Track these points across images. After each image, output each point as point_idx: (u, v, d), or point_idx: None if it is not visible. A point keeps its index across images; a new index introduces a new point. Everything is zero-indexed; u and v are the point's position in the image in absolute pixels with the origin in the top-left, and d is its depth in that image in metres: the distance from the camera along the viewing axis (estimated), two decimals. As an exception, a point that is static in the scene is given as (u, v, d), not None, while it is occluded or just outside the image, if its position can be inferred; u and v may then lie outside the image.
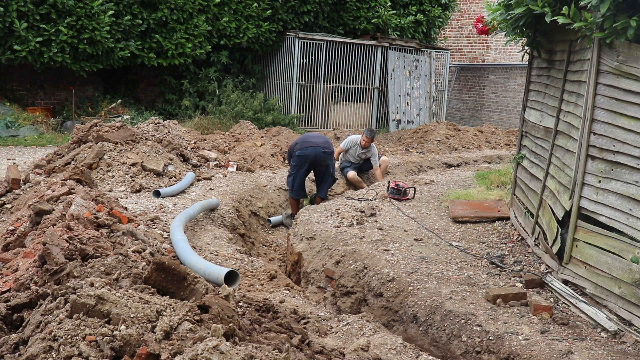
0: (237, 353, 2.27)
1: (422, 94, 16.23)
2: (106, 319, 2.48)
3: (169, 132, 8.93)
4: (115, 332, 2.40)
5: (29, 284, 3.14)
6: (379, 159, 9.75)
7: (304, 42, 14.63)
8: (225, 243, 5.92)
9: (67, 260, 3.21)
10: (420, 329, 4.33)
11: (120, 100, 13.86)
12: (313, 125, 15.08)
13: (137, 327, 2.44)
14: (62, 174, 6.50)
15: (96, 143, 7.77)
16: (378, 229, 5.97)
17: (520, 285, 4.58)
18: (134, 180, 7.26)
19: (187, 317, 2.54)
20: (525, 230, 5.57)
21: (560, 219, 4.57)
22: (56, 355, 2.32)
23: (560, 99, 4.94)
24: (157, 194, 6.95)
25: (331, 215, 6.47)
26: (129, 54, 12.80)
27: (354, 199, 7.34)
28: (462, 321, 4.09)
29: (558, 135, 4.96)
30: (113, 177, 7.29)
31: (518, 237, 5.67)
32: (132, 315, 2.48)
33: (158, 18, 13.01)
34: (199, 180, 8.08)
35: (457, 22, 20.89)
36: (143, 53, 13.12)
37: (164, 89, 14.92)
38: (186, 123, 12.93)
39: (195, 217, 6.24)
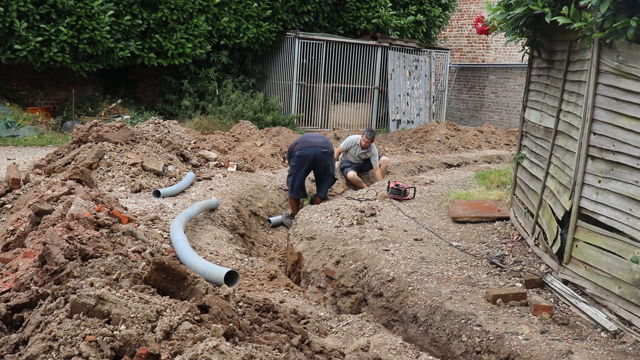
0: (237, 353, 2.27)
1: (422, 94, 16.23)
2: (106, 319, 2.48)
3: (169, 132, 8.93)
4: (115, 332, 2.40)
5: (29, 284, 3.14)
6: (379, 159, 9.75)
7: (304, 42, 14.63)
8: (225, 243, 5.92)
9: (67, 260, 3.21)
10: (420, 329, 4.33)
11: (120, 100, 13.86)
12: (313, 125, 15.08)
13: (137, 327, 2.44)
14: (62, 174, 6.50)
15: (96, 143, 7.77)
16: (378, 229, 5.97)
17: (520, 285, 4.58)
18: (134, 180, 7.26)
19: (187, 317, 2.54)
20: (525, 230, 5.57)
21: (560, 219, 4.57)
22: (56, 355, 2.32)
23: (560, 99, 4.94)
24: (157, 194, 6.95)
25: (331, 215, 6.47)
26: (129, 54, 12.80)
27: (354, 199, 7.34)
28: (462, 321, 4.09)
29: (558, 135, 4.96)
30: (113, 177, 7.29)
31: (518, 237, 5.67)
32: (132, 315, 2.48)
33: (158, 18, 13.01)
34: (199, 180, 8.08)
35: (457, 22, 20.89)
36: (143, 53, 13.12)
37: (164, 89, 14.92)
38: (186, 123, 12.93)
39: (195, 217, 6.24)
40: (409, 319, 4.44)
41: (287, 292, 4.74)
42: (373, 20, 15.51)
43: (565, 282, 4.48)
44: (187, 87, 14.36)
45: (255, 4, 14.14)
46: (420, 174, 10.46)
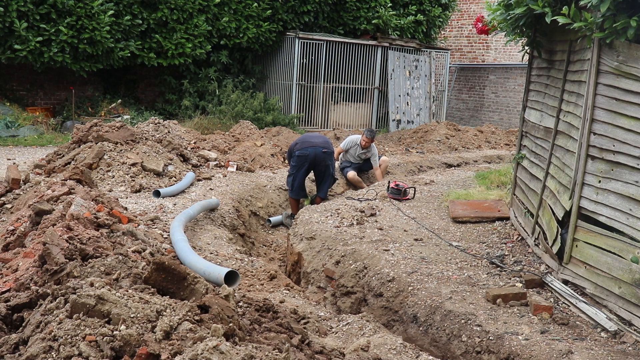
0: (237, 353, 2.27)
1: (422, 94, 16.23)
2: (106, 319, 2.48)
3: (169, 132, 8.93)
4: (115, 332, 2.40)
5: (29, 284, 3.14)
6: (379, 159, 9.75)
7: (304, 42, 14.63)
8: (225, 243, 5.92)
9: (67, 260, 3.21)
10: (420, 329, 4.33)
11: (120, 100, 13.86)
12: (313, 125, 15.08)
13: (137, 327, 2.44)
14: (62, 174, 6.50)
15: (96, 143, 7.77)
16: (378, 229, 5.97)
17: (520, 285, 4.58)
18: (134, 180, 7.26)
19: (187, 317, 2.54)
20: (525, 230, 5.57)
21: (560, 219, 4.57)
22: (56, 355, 2.32)
23: (560, 99, 4.94)
24: (157, 194, 6.95)
25: (331, 215, 6.47)
26: (129, 54, 12.80)
27: (354, 199, 7.34)
28: (462, 321, 4.09)
29: (558, 135, 4.96)
30: (113, 177, 7.29)
31: (518, 237, 5.67)
32: (132, 315, 2.48)
33: (158, 18, 13.02)
34: (199, 180, 8.08)
35: (457, 22, 20.89)
36: (143, 53, 13.12)
37: (164, 89, 14.92)
38: (186, 123, 12.93)
39: (195, 217, 6.24)
40: (409, 319, 4.44)
41: (287, 292, 4.74)
42: (373, 21, 15.51)
43: (565, 282, 4.48)
44: (187, 87, 14.36)
45: (255, 4, 14.14)
46: (420, 174, 10.46)
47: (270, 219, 7.93)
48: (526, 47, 5.80)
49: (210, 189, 7.69)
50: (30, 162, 8.47)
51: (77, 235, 3.60)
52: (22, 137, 11.20)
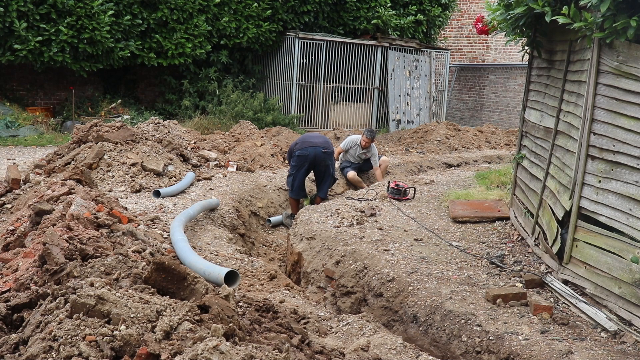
0: (237, 353, 2.27)
1: (422, 94, 16.23)
2: (106, 319, 2.48)
3: (169, 132, 8.93)
4: (115, 332, 2.40)
5: (29, 284, 3.14)
6: (379, 159, 9.75)
7: (304, 42, 14.63)
8: (225, 243, 5.92)
9: (67, 260, 3.21)
10: (420, 329, 4.33)
11: (120, 100, 13.86)
12: (313, 125, 15.08)
13: (137, 327, 2.44)
14: (62, 174, 6.50)
15: (96, 143, 7.77)
16: (378, 229, 5.97)
17: (520, 285, 4.58)
18: (134, 180, 7.26)
19: (187, 317, 2.54)
20: (525, 230, 5.56)
21: (560, 219, 4.57)
22: (56, 355, 2.32)
23: (560, 99, 4.94)
24: (157, 194, 6.95)
25: (331, 215, 6.47)
26: (129, 54, 12.80)
27: (354, 199, 7.34)
28: (462, 321, 4.09)
29: (558, 135, 4.96)
30: (113, 177, 7.29)
31: (518, 237, 5.67)
32: (132, 315, 2.48)
33: (158, 18, 13.02)
34: (199, 180, 8.08)
35: (457, 22, 20.89)
36: (143, 53, 13.12)
37: (164, 89, 14.92)
38: (186, 123, 12.93)
39: (195, 217, 6.24)
40: (409, 319, 4.44)
41: (287, 292, 4.74)
42: (373, 21, 15.51)
43: (565, 282, 4.48)
44: (187, 87, 14.36)
45: (255, 4, 14.14)
46: (420, 174, 10.46)
47: (270, 219, 7.93)
48: (526, 47, 5.80)
49: (210, 189, 7.69)
50: (30, 162, 8.47)
51: (77, 235, 3.60)
52: (22, 137, 11.20)
